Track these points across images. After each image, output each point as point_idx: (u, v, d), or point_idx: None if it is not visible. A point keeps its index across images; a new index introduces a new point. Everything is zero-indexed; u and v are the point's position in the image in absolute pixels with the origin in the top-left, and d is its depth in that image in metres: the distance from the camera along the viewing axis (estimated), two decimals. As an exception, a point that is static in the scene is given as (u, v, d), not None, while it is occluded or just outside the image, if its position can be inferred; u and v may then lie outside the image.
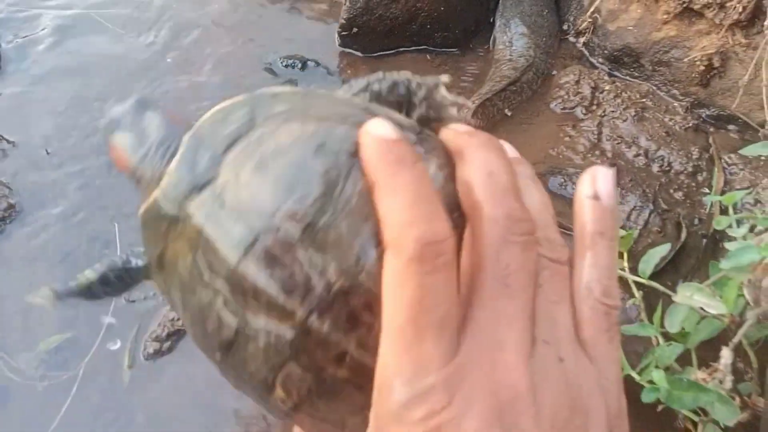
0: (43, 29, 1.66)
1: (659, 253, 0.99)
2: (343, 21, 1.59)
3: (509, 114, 1.42)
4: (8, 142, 1.39)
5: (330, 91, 0.35)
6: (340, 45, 1.65)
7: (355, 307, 0.27)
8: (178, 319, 1.12)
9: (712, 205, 1.28)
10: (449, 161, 0.30)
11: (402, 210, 0.26)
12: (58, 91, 1.52)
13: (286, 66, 1.61)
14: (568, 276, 0.29)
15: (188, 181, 0.30)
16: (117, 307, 1.15)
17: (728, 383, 0.82)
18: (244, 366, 0.30)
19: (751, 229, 1.04)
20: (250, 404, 1.06)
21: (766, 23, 1.24)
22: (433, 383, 0.25)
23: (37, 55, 1.60)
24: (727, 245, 0.85)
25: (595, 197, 0.30)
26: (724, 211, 1.29)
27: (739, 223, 0.95)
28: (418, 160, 0.28)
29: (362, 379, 0.28)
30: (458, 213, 0.29)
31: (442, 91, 0.36)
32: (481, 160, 0.29)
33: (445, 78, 0.36)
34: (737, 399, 0.88)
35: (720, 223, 0.96)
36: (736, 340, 0.84)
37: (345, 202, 0.28)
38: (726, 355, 0.83)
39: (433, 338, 0.25)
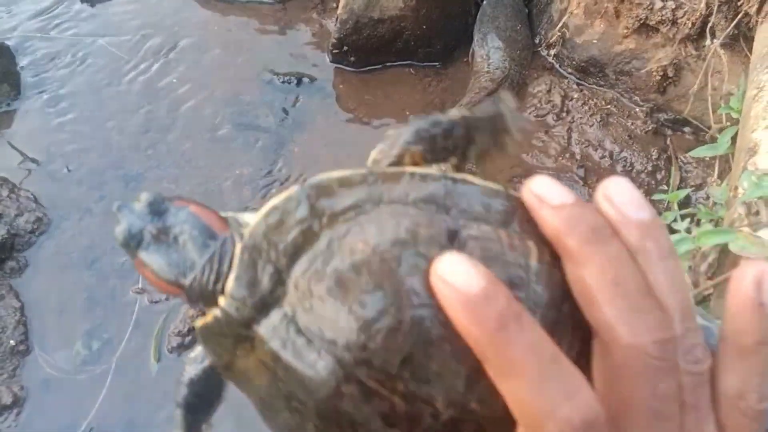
0: (57, 55, 1.79)
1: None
2: (334, 40, 1.73)
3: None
4: (32, 160, 1.52)
5: (380, 149, 0.31)
6: (331, 61, 1.79)
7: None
8: (197, 316, 1.26)
9: (669, 201, 1.44)
10: (542, 239, 0.26)
11: (532, 399, 0.23)
12: (74, 113, 1.65)
13: (283, 82, 1.75)
14: (709, 381, 0.26)
15: (252, 303, 0.27)
16: (141, 306, 1.29)
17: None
18: None
19: (699, 222, 1.20)
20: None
21: (707, 42, 1.41)
22: None
23: (53, 79, 1.73)
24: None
25: (763, 304, 0.25)
26: (681, 206, 1.45)
27: (683, 217, 1.11)
28: (520, 316, 0.23)
29: None
30: (569, 304, 0.25)
31: (508, 117, 0.32)
32: (600, 264, 0.24)
33: (510, 101, 0.33)
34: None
35: (666, 217, 1.11)
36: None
37: (439, 329, 0.24)
38: (670, 329, 0.99)
39: None
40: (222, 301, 0.28)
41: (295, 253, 0.26)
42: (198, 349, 0.35)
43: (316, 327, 0.25)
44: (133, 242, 0.31)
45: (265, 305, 0.27)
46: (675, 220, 1.11)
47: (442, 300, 0.24)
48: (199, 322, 0.29)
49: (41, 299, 1.31)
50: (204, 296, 0.29)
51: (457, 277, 0.23)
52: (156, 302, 1.30)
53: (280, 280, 0.26)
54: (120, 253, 1.37)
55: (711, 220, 1.14)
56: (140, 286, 1.32)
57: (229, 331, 0.28)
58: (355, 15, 1.68)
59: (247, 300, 0.27)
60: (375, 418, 0.26)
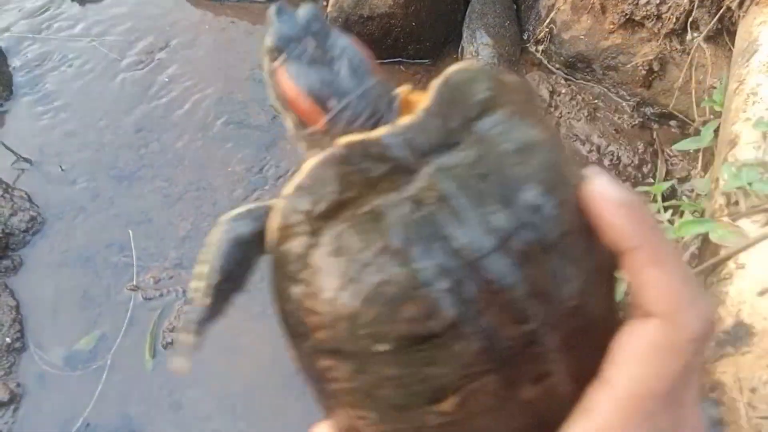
0: (48, 56, 1.80)
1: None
2: (324, 38, 1.74)
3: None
4: (25, 160, 1.53)
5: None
6: (322, 59, 1.81)
7: (577, 328, 0.27)
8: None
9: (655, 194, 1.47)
10: None
11: (680, 286, 0.27)
12: (66, 113, 1.67)
13: (274, 80, 1.76)
14: None
15: (438, 134, 0.27)
16: (136, 303, 1.31)
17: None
18: (426, 365, 0.26)
19: (682, 213, 1.22)
20: (263, 388, 1.22)
21: (689, 36, 1.43)
22: None
23: (45, 79, 1.74)
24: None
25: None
26: (667, 198, 1.47)
27: (666, 209, 1.13)
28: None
29: (544, 405, 0.27)
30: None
31: None
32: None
33: None
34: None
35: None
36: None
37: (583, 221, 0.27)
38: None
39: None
40: (403, 121, 0.27)
41: (481, 113, 0.27)
42: (251, 206, 0.31)
43: (497, 183, 0.26)
44: (284, 48, 0.29)
45: (449, 143, 0.27)
46: (658, 212, 1.14)
47: (600, 206, 0.27)
48: (346, 141, 0.27)
49: (36, 297, 1.32)
50: (347, 126, 0.29)
51: (614, 191, 0.27)
52: (150, 299, 1.31)
53: (467, 128, 0.27)
54: (114, 251, 1.39)
55: (694, 211, 1.16)
56: (134, 283, 1.34)
57: (391, 154, 0.27)
58: (344, 12, 1.69)
59: (434, 128, 0.27)
60: (522, 285, 0.26)
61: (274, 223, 0.29)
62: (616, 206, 0.27)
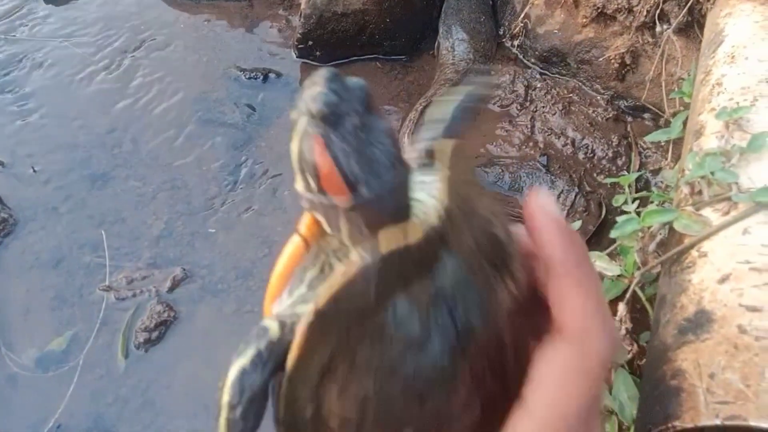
0: (22, 57, 1.79)
1: (573, 228, 1.18)
2: (299, 35, 1.74)
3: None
4: (-3, 162, 1.53)
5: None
6: (297, 57, 1.80)
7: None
8: (165, 311, 1.27)
9: (629, 186, 1.47)
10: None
11: (594, 311, 0.28)
12: (39, 113, 1.65)
13: (249, 78, 1.76)
14: None
15: (453, 229, 0.29)
16: (108, 304, 1.30)
17: (623, 331, 1.01)
18: None
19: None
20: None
21: (658, 29, 1.44)
22: None
23: (18, 80, 1.73)
24: (618, 218, 1.03)
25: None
26: (640, 190, 1.48)
27: (634, 200, 1.14)
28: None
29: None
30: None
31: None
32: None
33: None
34: (635, 346, 1.06)
35: (617, 200, 1.14)
36: (628, 295, 1.03)
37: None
38: (621, 309, 1.02)
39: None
40: (428, 231, 0.28)
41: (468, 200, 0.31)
42: (256, 348, 0.31)
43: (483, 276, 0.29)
44: (329, 117, 0.27)
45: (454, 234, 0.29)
46: (626, 203, 1.14)
47: (537, 219, 0.30)
48: (382, 248, 0.27)
49: (7, 299, 1.31)
50: (369, 212, 0.28)
51: (552, 207, 0.30)
52: (123, 299, 1.31)
53: (466, 215, 0.30)
54: (86, 252, 1.38)
55: (663, 202, 1.16)
56: (107, 283, 1.33)
57: (412, 265, 0.28)
58: (318, 10, 1.69)
59: (450, 229, 0.29)
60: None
61: (302, 335, 0.29)
62: (551, 220, 0.30)
